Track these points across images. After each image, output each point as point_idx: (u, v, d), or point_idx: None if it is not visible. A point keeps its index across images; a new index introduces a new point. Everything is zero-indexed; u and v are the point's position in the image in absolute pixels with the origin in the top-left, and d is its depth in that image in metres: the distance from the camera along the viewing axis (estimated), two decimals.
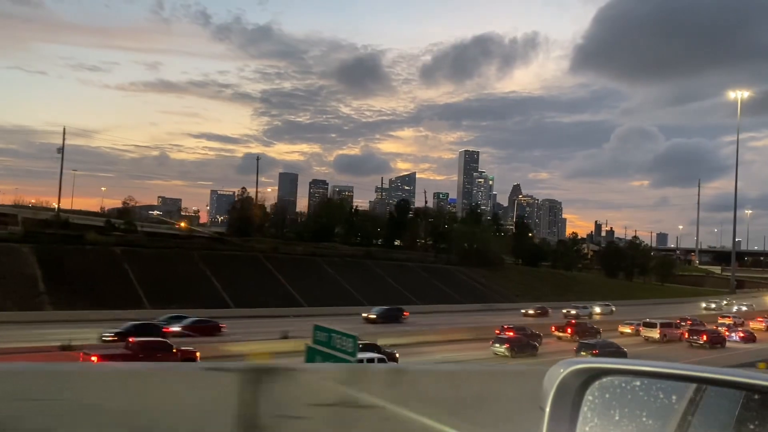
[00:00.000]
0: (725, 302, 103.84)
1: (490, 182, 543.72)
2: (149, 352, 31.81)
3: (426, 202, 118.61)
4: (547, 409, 2.16)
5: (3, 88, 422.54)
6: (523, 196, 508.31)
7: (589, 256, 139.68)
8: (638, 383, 2.17)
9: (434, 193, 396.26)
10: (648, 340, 54.36)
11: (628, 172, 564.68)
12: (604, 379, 2.21)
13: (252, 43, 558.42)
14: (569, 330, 52.47)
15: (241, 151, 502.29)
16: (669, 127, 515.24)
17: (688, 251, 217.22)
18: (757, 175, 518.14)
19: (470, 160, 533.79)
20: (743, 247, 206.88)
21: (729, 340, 55.92)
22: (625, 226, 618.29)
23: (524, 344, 43.73)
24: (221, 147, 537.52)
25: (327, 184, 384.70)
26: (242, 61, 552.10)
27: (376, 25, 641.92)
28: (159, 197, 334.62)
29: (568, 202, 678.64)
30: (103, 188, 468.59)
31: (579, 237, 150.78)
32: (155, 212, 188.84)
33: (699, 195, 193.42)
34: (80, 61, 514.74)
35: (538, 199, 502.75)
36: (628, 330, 57.34)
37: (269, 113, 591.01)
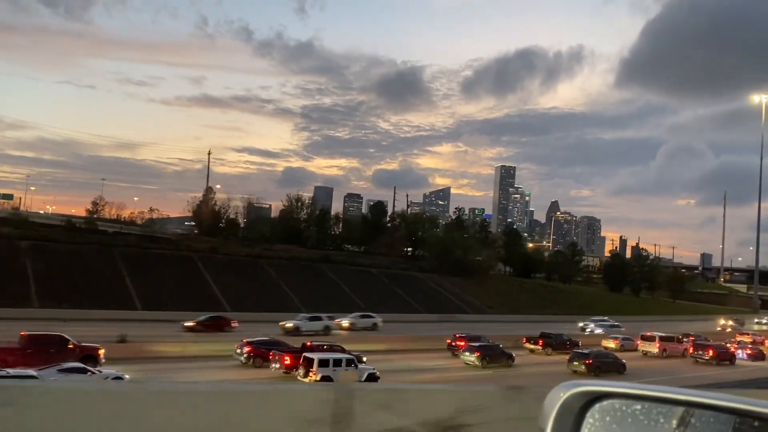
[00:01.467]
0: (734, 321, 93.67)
1: (527, 198, 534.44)
2: (40, 346, 30.11)
3: (454, 214, 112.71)
4: (548, 431, 2.17)
5: (55, 102, 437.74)
6: (561, 213, 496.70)
7: (593, 269, 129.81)
8: (639, 407, 2.15)
9: (470, 209, 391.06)
10: (646, 355, 52.40)
11: (674, 190, 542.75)
12: (605, 402, 2.20)
13: (293, 59, 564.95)
14: (540, 342, 50.43)
15: (281, 165, 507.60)
16: (719, 144, 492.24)
17: (724, 270, 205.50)
18: None
19: (506, 176, 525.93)
20: None
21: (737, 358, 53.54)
22: (672, 246, 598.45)
23: (497, 354, 41.78)
24: (262, 161, 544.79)
25: (361, 198, 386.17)
26: (284, 77, 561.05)
27: (417, 40, 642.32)
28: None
29: (611, 220, 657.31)
30: (135, 198, 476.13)
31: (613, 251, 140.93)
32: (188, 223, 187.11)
33: (725, 209, 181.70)
34: (127, 76, 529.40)
35: (576, 216, 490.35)
36: (612, 345, 53.66)
37: (309, 128, 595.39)
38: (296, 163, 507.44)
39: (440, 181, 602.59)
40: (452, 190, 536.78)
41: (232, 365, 34.86)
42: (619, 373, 41.06)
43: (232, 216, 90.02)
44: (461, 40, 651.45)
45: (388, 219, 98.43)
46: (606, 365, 41.46)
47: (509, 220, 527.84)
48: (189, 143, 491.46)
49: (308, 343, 35.13)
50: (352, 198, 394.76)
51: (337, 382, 28.32)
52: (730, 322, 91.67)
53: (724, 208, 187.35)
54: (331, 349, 34.42)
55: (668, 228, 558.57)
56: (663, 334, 55.45)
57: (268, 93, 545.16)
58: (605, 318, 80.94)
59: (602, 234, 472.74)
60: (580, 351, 43.23)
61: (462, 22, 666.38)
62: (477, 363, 40.01)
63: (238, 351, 35.74)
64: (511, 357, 42.46)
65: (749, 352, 55.84)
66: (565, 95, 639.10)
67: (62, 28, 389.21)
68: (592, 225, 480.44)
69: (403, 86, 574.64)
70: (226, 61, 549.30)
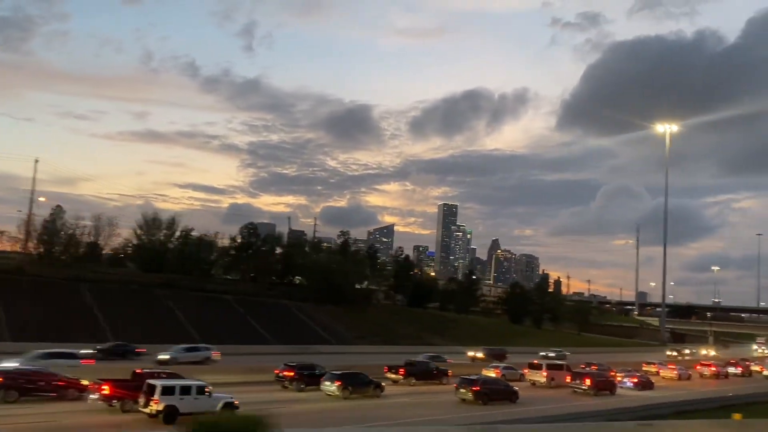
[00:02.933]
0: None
1: (468, 236, 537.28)
2: None
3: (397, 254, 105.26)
4: None
5: None
6: (501, 251, 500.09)
7: (497, 300, 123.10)
8: None
9: (414, 246, 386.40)
10: (535, 385, 49.78)
11: (613, 230, 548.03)
12: None
13: (240, 96, 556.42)
14: (402, 371, 46.75)
15: (227, 201, 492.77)
16: (655, 187, 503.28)
17: (650, 305, 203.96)
18: (740, 236, 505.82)
19: (449, 214, 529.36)
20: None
21: (621, 386, 51.45)
22: (611, 284, 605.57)
23: (363, 383, 38.85)
24: (207, 197, 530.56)
25: (305, 234, 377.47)
26: (230, 113, 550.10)
27: (364, 81, 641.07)
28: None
29: (553, 260, 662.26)
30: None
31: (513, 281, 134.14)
32: None
33: (638, 242, 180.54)
34: (68, 110, 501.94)
35: (515, 254, 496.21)
36: (492, 374, 50.05)
37: (256, 165, 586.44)
38: (242, 199, 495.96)
39: (389, 219, 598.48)
40: (400, 228, 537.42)
41: None
42: (511, 401, 39.14)
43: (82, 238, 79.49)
44: (408, 81, 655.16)
45: (260, 242, 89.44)
46: (495, 393, 39.07)
47: (451, 257, 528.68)
48: (131, 179, 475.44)
49: (139, 370, 31.68)
50: (295, 234, 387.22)
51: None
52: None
53: (637, 243, 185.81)
54: (170, 377, 29.82)
55: (607, 267, 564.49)
56: (551, 363, 53.42)
57: (214, 129, 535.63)
58: (498, 348, 74.78)
59: (540, 271, 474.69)
60: (467, 377, 40.03)
61: (408, 64, 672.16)
62: (338, 393, 36.94)
63: None
64: (379, 386, 39.41)
65: (635, 380, 53.30)
66: (509, 136, 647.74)
67: None
68: (530, 263, 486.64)
69: (352, 124, 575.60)
70: (172, 96, 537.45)
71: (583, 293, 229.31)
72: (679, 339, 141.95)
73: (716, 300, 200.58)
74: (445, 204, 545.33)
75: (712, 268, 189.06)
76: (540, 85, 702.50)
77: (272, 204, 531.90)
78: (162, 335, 59.56)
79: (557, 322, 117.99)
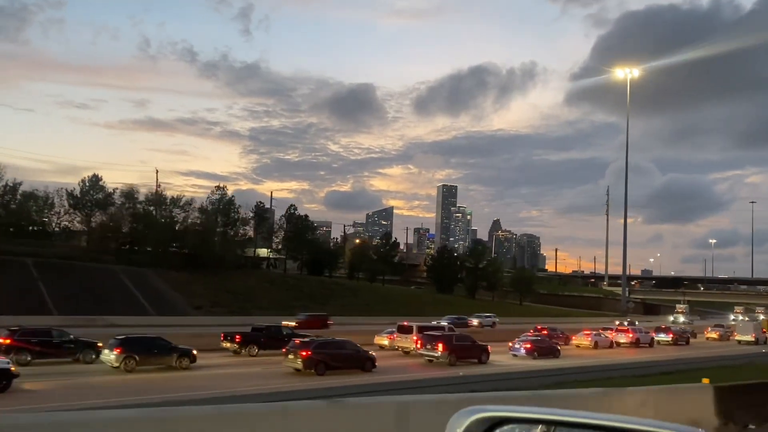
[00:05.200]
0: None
1: (468, 217, 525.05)
2: None
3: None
4: None
5: None
6: (502, 232, 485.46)
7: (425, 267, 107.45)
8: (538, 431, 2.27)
9: (414, 229, 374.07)
10: (410, 353, 40.27)
11: (621, 208, 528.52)
12: (506, 427, 2.27)
13: (240, 81, 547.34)
14: (238, 338, 38.94)
15: (230, 188, 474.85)
16: (666, 161, 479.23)
17: (634, 278, 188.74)
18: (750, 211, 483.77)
19: (448, 195, 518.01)
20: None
21: (514, 354, 42.49)
22: (615, 263, 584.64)
23: (162, 350, 30.96)
24: (210, 185, 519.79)
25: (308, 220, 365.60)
26: (230, 99, 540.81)
27: (364, 63, 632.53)
28: None
29: (559, 240, 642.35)
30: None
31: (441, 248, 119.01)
32: None
33: (608, 212, 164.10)
34: (68, 99, 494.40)
35: (516, 234, 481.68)
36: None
37: (258, 151, 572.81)
38: (245, 186, 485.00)
39: (393, 203, 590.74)
40: (404, 212, 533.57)
41: None
42: (364, 369, 31.92)
43: None
44: (409, 62, 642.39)
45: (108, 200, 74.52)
46: (338, 358, 31.44)
47: (451, 239, 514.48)
48: (134, 167, 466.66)
49: None
50: (292, 219, 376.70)
51: None
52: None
53: (607, 214, 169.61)
54: None
55: (613, 246, 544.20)
56: (424, 325, 43.39)
57: (215, 115, 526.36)
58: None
59: (542, 252, 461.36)
60: (304, 341, 32.52)
61: (409, 45, 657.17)
62: (116, 363, 29.09)
63: None
64: (187, 355, 31.33)
65: (528, 346, 42.91)
66: (516, 114, 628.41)
67: None
68: (531, 243, 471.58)
69: (354, 105, 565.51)
70: (171, 83, 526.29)
71: (582, 271, 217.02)
72: (652, 310, 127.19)
73: (709, 274, 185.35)
74: (444, 185, 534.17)
75: (710, 241, 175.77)
76: (548, 60, 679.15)
77: (276, 190, 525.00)
78: None
79: (495, 291, 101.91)
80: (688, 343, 62.60)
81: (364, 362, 32.49)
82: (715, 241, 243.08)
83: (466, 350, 38.58)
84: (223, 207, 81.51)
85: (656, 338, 60.22)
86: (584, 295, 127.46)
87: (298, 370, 30.47)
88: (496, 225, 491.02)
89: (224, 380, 27.86)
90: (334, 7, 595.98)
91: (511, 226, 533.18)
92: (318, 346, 31.49)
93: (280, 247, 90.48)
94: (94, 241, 72.29)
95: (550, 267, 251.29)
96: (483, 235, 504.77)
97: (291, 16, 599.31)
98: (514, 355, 42.45)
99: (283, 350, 32.65)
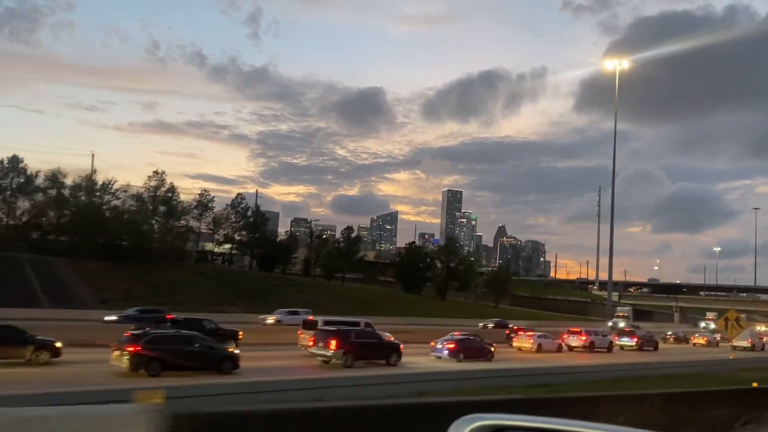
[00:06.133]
0: None
1: (473, 222, 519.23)
2: None
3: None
4: None
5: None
6: (507, 238, 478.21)
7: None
8: None
9: (419, 234, 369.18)
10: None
11: (629, 216, 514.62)
12: None
13: (248, 85, 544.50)
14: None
15: (237, 192, 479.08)
16: (676, 169, 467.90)
17: (631, 285, 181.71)
18: (762, 221, 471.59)
19: (453, 200, 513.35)
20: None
21: (438, 355, 36.54)
22: (623, 271, 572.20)
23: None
24: (218, 188, 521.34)
25: (309, 222, 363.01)
26: (239, 103, 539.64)
27: (373, 68, 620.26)
28: None
29: (566, 248, 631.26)
30: None
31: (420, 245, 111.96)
32: None
33: (599, 219, 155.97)
34: (77, 101, 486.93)
35: (521, 241, 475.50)
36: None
37: (266, 155, 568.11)
38: (253, 189, 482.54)
39: (400, 208, 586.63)
40: (411, 218, 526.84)
41: None
42: (221, 370, 25.49)
43: None
44: (418, 68, 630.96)
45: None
46: (181, 356, 25.11)
47: (456, 245, 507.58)
48: (143, 170, 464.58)
49: None
50: (299, 222, 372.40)
51: None
52: None
53: (599, 220, 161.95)
54: None
55: (620, 255, 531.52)
56: (333, 319, 38.18)
57: (223, 119, 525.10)
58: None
59: (548, 259, 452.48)
60: (135, 333, 26.10)
61: (419, 51, 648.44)
62: None
63: None
64: (46, 347, 26.17)
65: (452, 347, 37.55)
66: (526, 120, 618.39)
67: (6, 51, 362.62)
68: (536, 249, 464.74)
69: (363, 110, 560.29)
70: (179, 86, 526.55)
71: (585, 278, 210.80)
72: (643, 316, 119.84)
73: (711, 282, 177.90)
74: (449, 190, 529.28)
75: (715, 249, 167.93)
76: (559, 66, 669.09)
77: (283, 194, 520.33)
78: None
79: (467, 292, 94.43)
80: (656, 348, 55.37)
81: (220, 362, 26.28)
82: (719, 249, 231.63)
83: (369, 349, 32.31)
84: (162, 195, 75.05)
85: (619, 342, 53.14)
86: (570, 299, 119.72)
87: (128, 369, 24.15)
88: (501, 231, 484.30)
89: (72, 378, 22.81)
90: (344, 12, 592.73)
91: (517, 233, 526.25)
92: (151, 341, 25.17)
93: (237, 239, 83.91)
94: (9, 227, 65.91)
95: (556, 275, 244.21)
96: (488, 241, 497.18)
97: (300, 20, 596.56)
98: (438, 357, 36.35)
99: (111, 347, 26.00)
